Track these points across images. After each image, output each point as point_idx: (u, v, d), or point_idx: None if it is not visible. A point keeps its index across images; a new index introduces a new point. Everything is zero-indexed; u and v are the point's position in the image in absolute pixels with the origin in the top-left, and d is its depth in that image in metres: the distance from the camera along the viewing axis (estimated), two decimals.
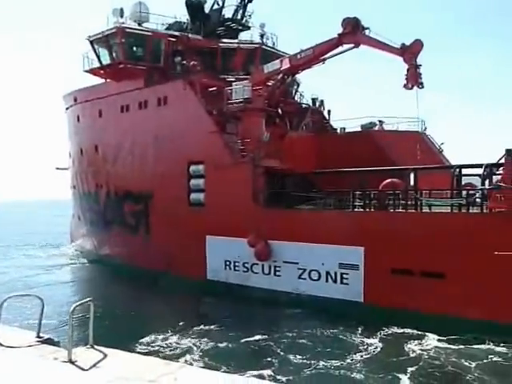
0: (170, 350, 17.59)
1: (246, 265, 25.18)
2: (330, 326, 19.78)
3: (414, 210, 21.32)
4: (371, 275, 21.18)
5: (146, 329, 19.41)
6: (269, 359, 16.61)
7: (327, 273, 22.48)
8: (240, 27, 33.59)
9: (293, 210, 24.66)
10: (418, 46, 23.29)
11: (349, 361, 16.37)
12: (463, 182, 22.05)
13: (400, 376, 15.20)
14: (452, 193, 21.04)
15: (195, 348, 17.77)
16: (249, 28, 33.73)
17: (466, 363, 16.13)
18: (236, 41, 32.37)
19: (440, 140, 29.33)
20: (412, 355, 17.02)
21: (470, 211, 19.97)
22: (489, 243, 18.34)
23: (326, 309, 21.27)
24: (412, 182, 23.08)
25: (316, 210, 24.32)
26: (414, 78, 23.03)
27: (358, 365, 16.10)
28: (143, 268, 28.55)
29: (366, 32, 24.58)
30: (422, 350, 17.44)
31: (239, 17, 33.39)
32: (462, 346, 17.45)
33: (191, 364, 15.55)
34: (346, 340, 18.61)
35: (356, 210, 22.86)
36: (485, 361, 16.30)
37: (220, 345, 18.11)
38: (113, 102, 32.38)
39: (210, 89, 28.90)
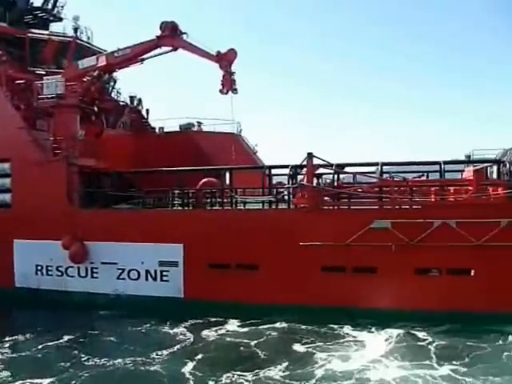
0: None
1: (60, 268, 23.93)
2: (143, 324, 20.14)
3: (229, 208, 22.71)
4: (190, 271, 21.94)
5: None
6: (68, 364, 16.24)
7: (147, 271, 22.60)
8: (51, 17, 31.62)
9: (110, 209, 24.32)
10: (232, 54, 24.87)
11: (153, 355, 16.83)
12: (275, 181, 24.15)
13: (191, 362, 16.19)
14: (263, 191, 22.91)
15: None
16: (61, 19, 31.89)
17: (247, 340, 18.07)
18: (47, 32, 30.41)
19: (254, 141, 31.70)
20: (210, 340, 18.41)
21: (279, 207, 22.04)
22: (295, 235, 20.47)
23: (147, 307, 21.43)
24: (228, 181, 24.52)
25: (134, 210, 24.31)
26: (228, 84, 24.57)
27: (154, 358, 16.65)
28: None
29: (184, 37, 25.36)
30: (220, 335, 18.94)
31: (50, 6, 31.44)
32: (253, 328, 19.35)
33: None
34: (156, 336, 19.15)
35: (175, 208, 23.37)
36: (265, 337, 18.41)
37: (20, 355, 17.28)
38: None
39: (18, 81, 26.75)
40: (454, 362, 15.62)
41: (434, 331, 18.28)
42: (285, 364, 15.79)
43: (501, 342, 17.39)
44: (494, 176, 21.62)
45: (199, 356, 16.71)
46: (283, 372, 15.27)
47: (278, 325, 19.53)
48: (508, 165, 20.84)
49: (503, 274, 19.06)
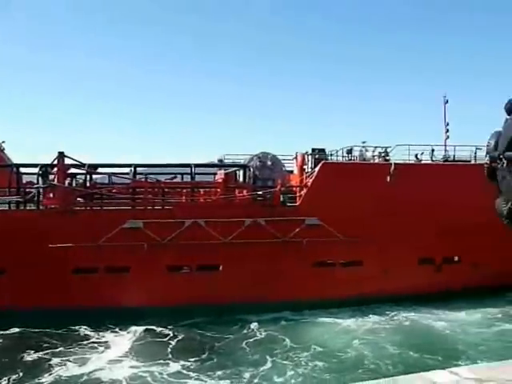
0: None
1: None
2: None
3: None
4: None
5: None
6: None
7: None
8: None
9: None
10: None
11: None
12: (25, 181, 22.79)
13: None
14: (10, 190, 21.48)
15: None
16: None
17: None
18: None
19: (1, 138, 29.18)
20: None
21: (28, 208, 20.93)
22: (44, 237, 19.66)
23: None
24: None
25: None
26: None
27: None
28: None
29: None
30: None
31: None
32: None
33: None
34: None
35: None
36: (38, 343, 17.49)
37: None
38: None
39: None
40: (190, 357, 16.12)
41: (181, 326, 19.11)
42: (11, 374, 14.91)
43: (245, 331, 18.95)
44: (242, 179, 23.78)
45: None
46: None
47: (11, 331, 18.49)
48: (252, 169, 23.12)
49: (247, 268, 21.05)
